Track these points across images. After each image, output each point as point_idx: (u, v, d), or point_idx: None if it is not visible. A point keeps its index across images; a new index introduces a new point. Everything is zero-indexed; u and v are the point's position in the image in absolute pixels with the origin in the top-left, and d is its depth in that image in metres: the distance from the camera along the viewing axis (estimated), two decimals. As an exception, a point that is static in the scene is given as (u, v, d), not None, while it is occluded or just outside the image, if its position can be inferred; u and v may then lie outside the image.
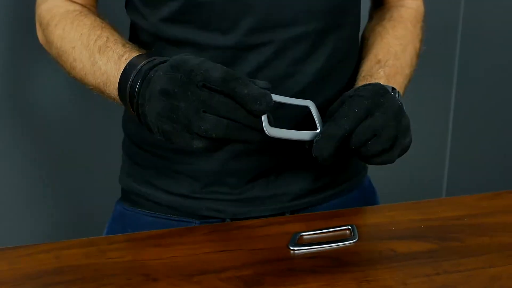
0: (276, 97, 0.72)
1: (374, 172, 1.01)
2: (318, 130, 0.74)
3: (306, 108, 0.75)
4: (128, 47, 0.81)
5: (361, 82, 0.86)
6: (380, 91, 0.75)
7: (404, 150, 0.77)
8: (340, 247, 0.76)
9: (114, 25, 0.87)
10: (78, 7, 0.89)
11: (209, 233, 0.79)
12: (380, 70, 0.87)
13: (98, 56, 0.81)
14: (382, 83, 0.82)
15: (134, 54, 0.78)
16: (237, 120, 0.67)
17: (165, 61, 0.73)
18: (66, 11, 0.88)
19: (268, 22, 0.83)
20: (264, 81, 0.70)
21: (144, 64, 0.74)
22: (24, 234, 1.38)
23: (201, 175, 0.88)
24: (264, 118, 0.68)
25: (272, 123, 0.69)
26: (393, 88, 0.80)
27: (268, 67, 0.84)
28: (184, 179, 0.89)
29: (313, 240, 0.77)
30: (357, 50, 0.94)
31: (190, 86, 0.66)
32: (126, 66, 0.76)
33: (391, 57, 0.89)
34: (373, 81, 0.85)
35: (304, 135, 0.74)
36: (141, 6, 0.87)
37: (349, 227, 0.80)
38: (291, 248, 0.75)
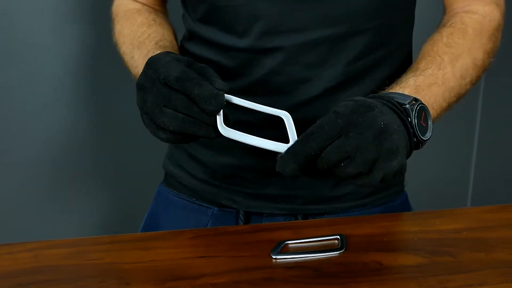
0: (248, 104, 0.73)
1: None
2: (290, 143, 0.71)
3: (280, 118, 0.73)
4: (159, 44, 0.86)
5: (387, 90, 0.81)
6: (360, 109, 0.69)
7: (392, 174, 0.70)
8: (325, 257, 0.73)
9: (168, 23, 0.94)
10: (138, 6, 0.97)
11: (195, 237, 0.78)
12: (411, 79, 0.81)
13: (136, 51, 0.89)
14: (406, 93, 0.78)
15: (159, 51, 0.83)
16: (192, 116, 0.70)
17: None
18: (127, 9, 0.96)
19: (279, 27, 0.83)
20: (223, 83, 0.71)
21: None
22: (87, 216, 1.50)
23: (220, 167, 0.91)
24: (219, 117, 0.70)
25: (230, 123, 0.71)
26: (414, 99, 0.75)
27: (281, 71, 0.85)
28: (207, 167, 0.92)
29: (297, 249, 0.75)
30: (395, 57, 0.89)
31: (156, 82, 0.71)
32: (147, 61, 0.79)
33: (433, 66, 0.83)
34: (399, 90, 0.80)
35: (266, 144, 0.72)
36: (187, 7, 0.93)
37: (338, 236, 0.77)
38: (273, 256, 0.73)
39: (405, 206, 0.96)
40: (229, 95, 0.72)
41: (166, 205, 0.97)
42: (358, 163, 0.68)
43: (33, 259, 0.73)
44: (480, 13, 0.89)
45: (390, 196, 0.94)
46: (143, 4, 0.97)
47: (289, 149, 0.69)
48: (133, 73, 0.89)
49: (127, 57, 0.90)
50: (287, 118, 0.73)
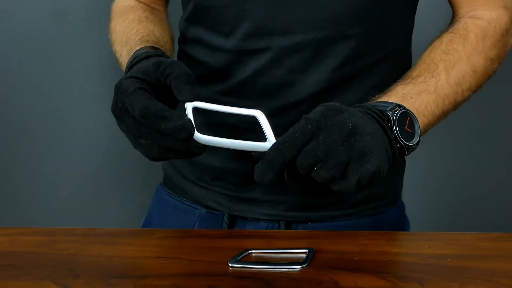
0: (218, 108, 0.72)
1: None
2: (266, 143, 0.70)
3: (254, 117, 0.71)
4: (144, 39, 0.86)
5: (374, 100, 0.79)
6: (329, 113, 0.68)
7: (367, 177, 0.68)
8: (283, 271, 0.70)
9: (163, 22, 0.94)
10: (134, 3, 0.98)
11: (164, 237, 0.78)
12: (399, 87, 0.79)
13: (124, 48, 0.89)
14: (391, 101, 0.76)
15: (141, 46, 0.83)
16: (167, 145, 0.69)
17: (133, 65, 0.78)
18: (122, 6, 0.98)
19: (264, 28, 0.82)
20: (191, 91, 0.69)
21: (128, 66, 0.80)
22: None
23: (208, 169, 0.91)
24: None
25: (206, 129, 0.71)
26: (397, 106, 0.72)
27: (265, 73, 0.83)
28: (196, 168, 0.92)
29: (259, 259, 0.72)
30: (385, 66, 0.85)
31: (125, 114, 0.71)
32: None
33: (426, 73, 0.80)
34: (384, 98, 0.78)
35: (244, 145, 0.70)
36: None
37: (307, 250, 0.74)
38: (230, 264, 0.71)
39: (398, 220, 0.90)
40: (199, 102, 0.72)
41: (161, 204, 0.98)
42: (329, 166, 0.67)
43: (8, 244, 0.76)
44: (486, 18, 0.82)
45: (380, 207, 0.88)
46: (141, 2, 0.98)
47: (264, 158, 0.69)
48: (124, 71, 0.90)
49: (117, 55, 0.91)
50: (260, 117, 0.72)
